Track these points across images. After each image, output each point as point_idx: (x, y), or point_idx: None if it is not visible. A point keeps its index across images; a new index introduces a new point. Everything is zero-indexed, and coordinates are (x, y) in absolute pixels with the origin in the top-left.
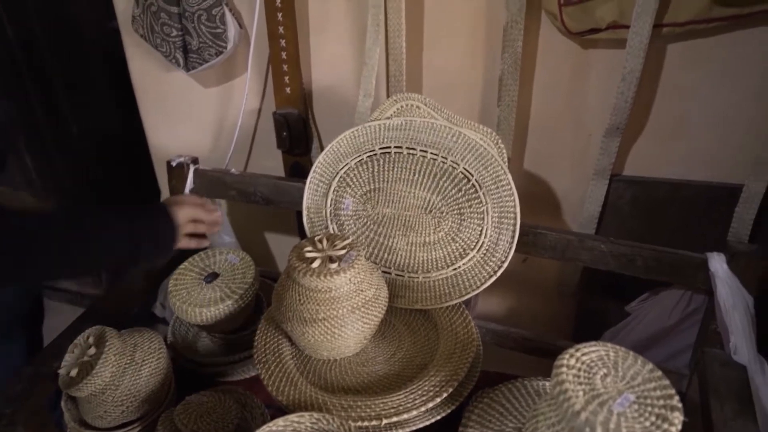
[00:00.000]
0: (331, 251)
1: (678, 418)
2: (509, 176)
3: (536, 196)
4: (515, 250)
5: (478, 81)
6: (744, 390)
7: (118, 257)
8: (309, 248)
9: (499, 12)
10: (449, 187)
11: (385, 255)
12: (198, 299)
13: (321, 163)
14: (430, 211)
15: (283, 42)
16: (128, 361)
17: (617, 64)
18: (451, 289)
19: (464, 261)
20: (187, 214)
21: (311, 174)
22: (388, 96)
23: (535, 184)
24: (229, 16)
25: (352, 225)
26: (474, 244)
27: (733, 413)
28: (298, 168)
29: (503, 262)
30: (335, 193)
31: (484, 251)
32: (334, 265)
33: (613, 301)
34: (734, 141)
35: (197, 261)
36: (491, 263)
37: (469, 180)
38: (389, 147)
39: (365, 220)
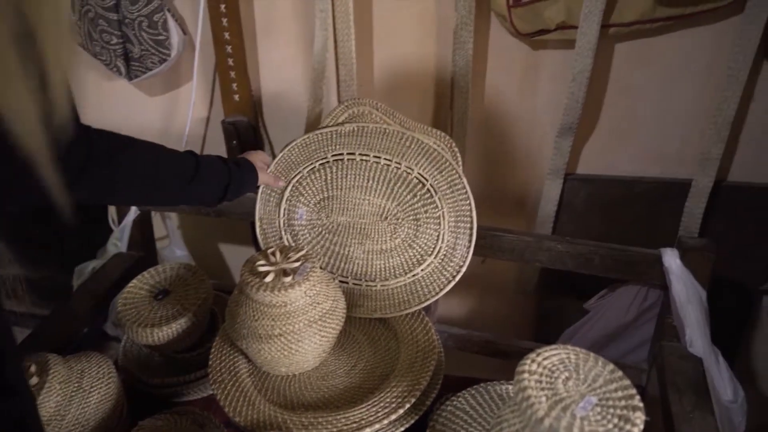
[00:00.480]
0: (284, 264)
1: (640, 417)
2: (464, 180)
3: (492, 198)
4: (473, 253)
5: (430, 84)
6: (701, 382)
7: (212, 194)
8: (262, 262)
9: (449, 14)
10: (404, 193)
11: (342, 264)
12: (149, 318)
13: (272, 172)
14: (386, 218)
15: (229, 48)
16: (75, 389)
17: (567, 64)
18: (409, 296)
19: (422, 267)
20: (262, 179)
21: (262, 184)
22: (339, 102)
23: (490, 186)
24: (171, 23)
25: (307, 235)
26: (431, 249)
27: (691, 406)
28: None
29: (461, 267)
30: (288, 202)
31: (442, 257)
32: (288, 279)
33: (572, 299)
34: (682, 137)
35: (147, 278)
36: (449, 268)
37: (423, 185)
38: (341, 154)
39: (320, 230)
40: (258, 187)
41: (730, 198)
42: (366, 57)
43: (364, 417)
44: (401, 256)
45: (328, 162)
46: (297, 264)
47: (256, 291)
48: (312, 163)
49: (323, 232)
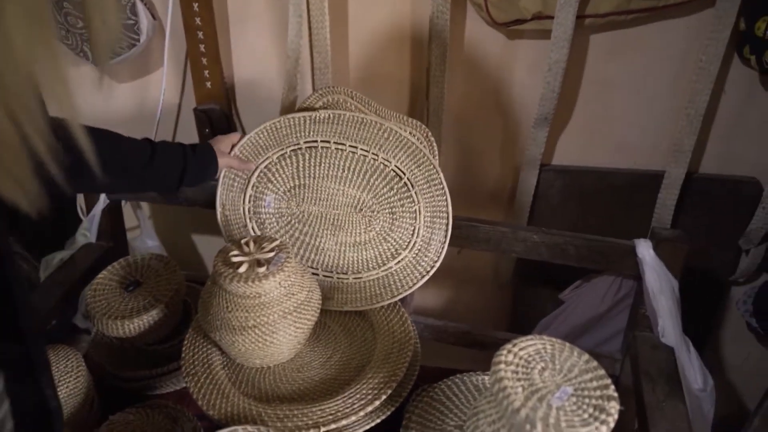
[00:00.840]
0: (258, 254)
1: (614, 407)
2: (441, 175)
3: (468, 188)
4: (449, 244)
5: (405, 73)
6: (673, 371)
7: (169, 179)
8: (235, 252)
9: (425, 2)
10: (381, 186)
11: (312, 255)
12: (119, 310)
13: (236, 155)
14: (361, 210)
15: (200, 34)
16: None
17: (543, 55)
18: (382, 289)
19: (396, 261)
20: (225, 163)
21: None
22: (314, 89)
23: (466, 176)
24: (140, 7)
25: (275, 224)
26: (406, 243)
27: (663, 395)
28: None
29: (435, 262)
30: (255, 189)
31: (417, 251)
32: (262, 269)
33: (547, 290)
34: (655, 129)
35: (117, 269)
36: (423, 263)
37: (401, 179)
38: (315, 141)
39: (289, 218)
40: (218, 174)
41: (702, 189)
42: (341, 44)
43: (340, 409)
44: (375, 249)
45: (300, 149)
46: (271, 254)
47: (229, 282)
48: (283, 149)
49: (293, 221)
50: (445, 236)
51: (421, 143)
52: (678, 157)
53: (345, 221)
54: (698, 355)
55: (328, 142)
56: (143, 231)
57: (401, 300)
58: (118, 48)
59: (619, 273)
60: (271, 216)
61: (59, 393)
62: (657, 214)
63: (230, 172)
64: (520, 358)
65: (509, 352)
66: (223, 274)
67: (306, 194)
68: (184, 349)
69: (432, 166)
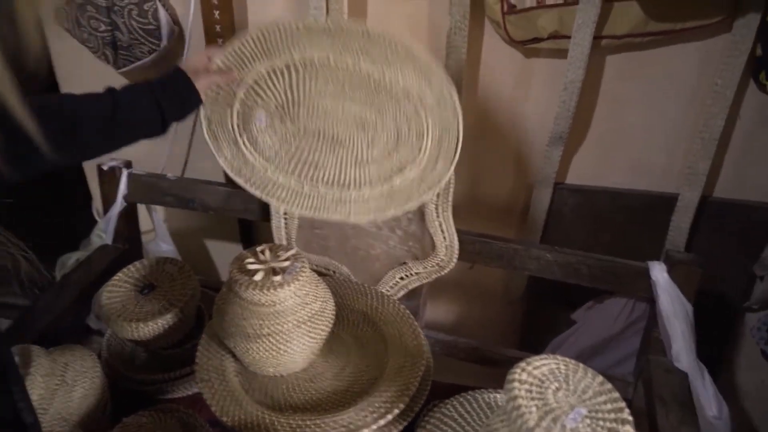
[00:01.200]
0: (274, 263)
1: (629, 431)
2: (455, 96)
3: (481, 203)
4: (459, 258)
5: None
6: (687, 397)
7: (149, 122)
8: (251, 260)
9: (442, 18)
10: (386, 104)
11: (311, 171)
12: (134, 313)
13: (218, 66)
14: (363, 128)
15: (221, 41)
16: (58, 383)
17: (559, 74)
18: (386, 203)
19: (400, 178)
20: (206, 84)
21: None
22: None
23: (479, 191)
24: (162, 12)
25: (268, 139)
26: (412, 161)
27: (677, 421)
28: None
29: (441, 179)
30: (243, 105)
31: (422, 169)
32: (277, 278)
33: (559, 309)
34: (670, 151)
35: (132, 271)
36: (429, 180)
37: (409, 99)
38: (311, 56)
39: (284, 134)
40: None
41: (716, 213)
42: None
43: (353, 421)
44: (378, 167)
45: (293, 64)
46: (286, 263)
47: (245, 289)
48: (272, 62)
49: (288, 136)
50: (453, 158)
51: (434, 65)
52: (692, 180)
53: (346, 139)
54: (713, 382)
55: (328, 57)
56: (158, 234)
57: (413, 313)
58: (139, 53)
59: (632, 295)
60: (264, 132)
61: (75, 393)
62: (671, 236)
63: (217, 88)
64: (534, 377)
65: (523, 370)
66: (239, 282)
67: (301, 111)
68: (197, 354)
69: (444, 85)
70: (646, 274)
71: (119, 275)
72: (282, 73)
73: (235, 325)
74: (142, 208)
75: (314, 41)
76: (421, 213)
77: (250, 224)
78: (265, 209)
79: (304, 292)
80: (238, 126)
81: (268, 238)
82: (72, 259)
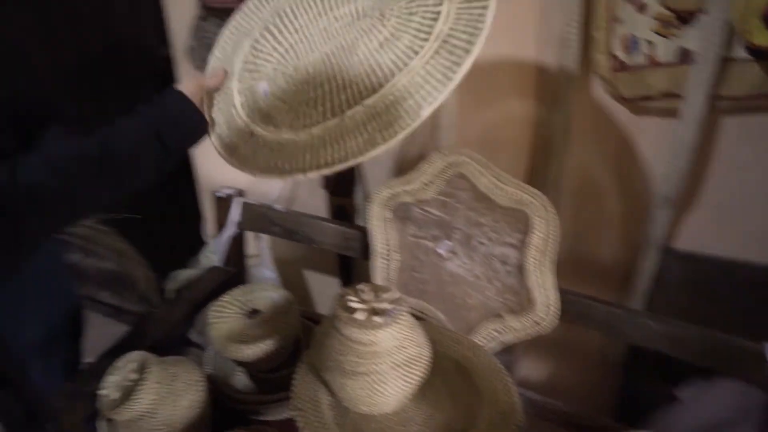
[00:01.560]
0: (375, 303)
1: None
2: None
3: (581, 261)
4: (560, 319)
5: (526, 139)
6: None
7: (149, 153)
8: (353, 298)
9: (552, 72)
10: None
11: (341, 96)
12: (239, 335)
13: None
14: (364, 16)
15: None
16: (167, 391)
17: (670, 133)
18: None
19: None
20: (200, 97)
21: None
22: (437, 149)
23: (581, 249)
24: None
25: (280, 104)
26: (428, 32)
27: None
28: (341, 212)
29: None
30: (241, 93)
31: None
32: (378, 319)
33: (660, 381)
34: None
35: (238, 295)
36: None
37: None
38: (285, 10)
39: (294, 86)
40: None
41: None
42: (467, 106)
43: None
44: (394, 49)
45: (270, 24)
46: (388, 305)
47: (345, 326)
48: (251, 37)
49: (298, 87)
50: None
51: None
52: None
53: (352, 41)
54: None
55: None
56: (263, 260)
57: (507, 366)
58: None
59: (747, 378)
60: (273, 99)
61: (181, 402)
62: None
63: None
64: None
65: None
66: (341, 318)
67: (299, 50)
68: (294, 383)
69: None
70: (762, 359)
71: (227, 297)
72: (263, 38)
73: (333, 360)
74: (248, 234)
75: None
76: (519, 266)
77: (350, 260)
78: (366, 248)
79: (403, 335)
80: (244, 111)
81: (366, 276)
82: (183, 275)
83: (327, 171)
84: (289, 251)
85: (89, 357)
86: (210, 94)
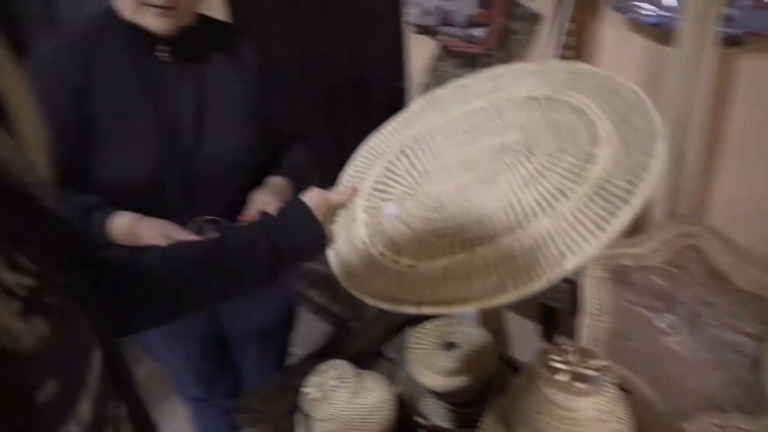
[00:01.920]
0: (580, 367)
1: None
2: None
3: None
4: None
5: None
6: None
7: (259, 257)
8: (556, 357)
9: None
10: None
11: (474, 231)
12: (434, 365)
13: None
14: (510, 150)
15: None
16: (360, 404)
17: None
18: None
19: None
20: (325, 210)
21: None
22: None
23: None
24: None
25: (405, 228)
26: (580, 174)
27: None
28: None
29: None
30: (366, 211)
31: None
32: (581, 385)
33: None
34: None
35: (439, 325)
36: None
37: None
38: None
39: (422, 212)
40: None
41: None
42: (710, 175)
43: None
44: (539, 186)
45: (407, 147)
46: (593, 373)
47: (545, 384)
48: (386, 158)
49: (427, 215)
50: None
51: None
52: None
53: (494, 174)
54: None
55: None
56: None
57: None
58: None
59: None
60: (398, 223)
61: (373, 418)
62: None
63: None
64: None
65: None
66: (542, 375)
67: (434, 176)
68: (482, 426)
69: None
70: None
71: (429, 325)
72: (398, 159)
73: (528, 416)
74: None
75: (420, 118)
76: (757, 359)
77: (554, 310)
78: (574, 302)
79: (607, 409)
80: (369, 238)
81: (570, 331)
82: None
83: (444, 310)
84: None
85: (296, 348)
86: (334, 209)
